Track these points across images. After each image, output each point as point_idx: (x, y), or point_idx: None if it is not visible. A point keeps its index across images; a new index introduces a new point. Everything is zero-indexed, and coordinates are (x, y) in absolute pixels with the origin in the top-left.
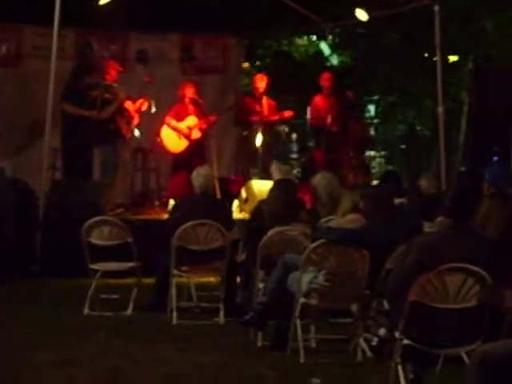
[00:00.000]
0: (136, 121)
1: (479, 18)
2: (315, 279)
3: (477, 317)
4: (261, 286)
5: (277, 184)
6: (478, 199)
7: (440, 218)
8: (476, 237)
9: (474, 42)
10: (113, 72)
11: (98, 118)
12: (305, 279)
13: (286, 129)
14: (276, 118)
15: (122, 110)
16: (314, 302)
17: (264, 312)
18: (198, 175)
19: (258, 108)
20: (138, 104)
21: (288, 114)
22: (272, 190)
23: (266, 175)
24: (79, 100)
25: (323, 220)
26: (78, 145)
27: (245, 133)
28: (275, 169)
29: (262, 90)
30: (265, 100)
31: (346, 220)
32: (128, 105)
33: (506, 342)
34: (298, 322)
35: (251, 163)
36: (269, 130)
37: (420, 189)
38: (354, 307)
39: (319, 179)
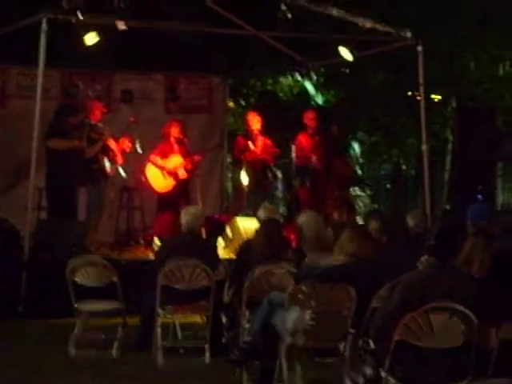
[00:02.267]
0: (120, 160)
1: (462, 57)
2: (301, 319)
3: (463, 355)
4: (247, 325)
5: (262, 223)
6: (462, 238)
7: (424, 257)
8: (460, 275)
9: (457, 80)
10: (97, 112)
11: (84, 151)
12: (290, 318)
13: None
14: (264, 156)
15: (106, 149)
16: (300, 341)
17: (249, 351)
18: (187, 214)
19: (250, 147)
20: (121, 143)
21: (275, 150)
22: (258, 230)
23: (251, 213)
24: (63, 137)
25: (308, 258)
26: (63, 185)
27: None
28: (260, 207)
29: (257, 131)
30: (260, 139)
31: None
32: (112, 144)
33: (492, 380)
34: (284, 361)
35: (240, 201)
36: (260, 168)
37: (407, 227)
38: (341, 346)
39: (304, 218)
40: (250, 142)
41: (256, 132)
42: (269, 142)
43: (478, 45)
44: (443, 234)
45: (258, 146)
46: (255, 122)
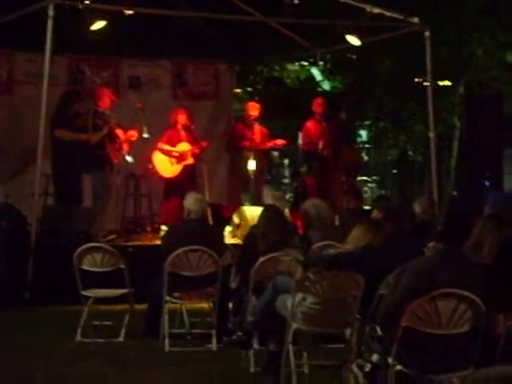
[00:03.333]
0: (125, 149)
1: (469, 43)
2: (303, 301)
3: (469, 342)
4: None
5: (265, 210)
6: (470, 224)
7: (432, 243)
8: (468, 262)
9: (465, 67)
10: (106, 99)
11: (90, 141)
12: (293, 301)
13: (276, 153)
14: (268, 146)
15: (112, 137)
16: (304, 326)
17: (251, 332)
18: (191, 200)
19: (249, 134)
20: (128, 134)
21: (280, 142)
22: (261, 216)
23: (258, 201)
24: (69, 126)
25: (315, 246)
26: (69, 171)
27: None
28: (267, 194)
29: (254, 117)
30: (256, 127)
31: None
32: (119, 132)
33: (498, 367)
34: (290, 347)
35: (243, 189)
36: (261, 156)
37: (413, 213)
38: (347, 333)
39: (309, 205)
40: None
41: (253, 120)
42: (265, 130)
43: (486, 31)
44: (452, 220)
45: (256, 134)
46: (254, 111)
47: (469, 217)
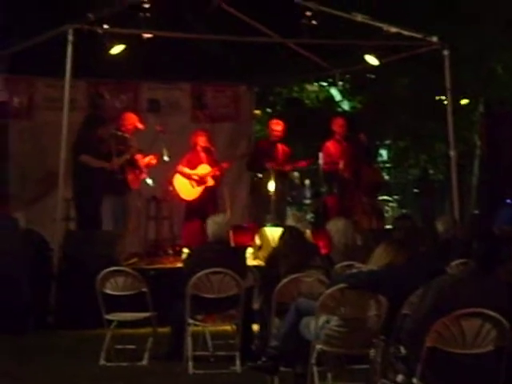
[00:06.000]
0: (144, 175)
1: (489, 60)
2: (327, 324)
3: (495, 362)
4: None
5: (285, 232)
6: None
7: (455, 262)
8: (494, 281)
9: (484, 84)
10: (131, 124)
11: (113, 167)
12: (317, 323)
13: (297, 174)
14: (290, 167)
15: (132, 162)
16: (328, 347)
17: (276, 356)
18: (213, 223)
19: (272, 153)
20: (147, 159)
21: (303, 164)
22: (281, 238)
23: (280, 222)
24: (94, 152)
25: (338, 266)
26: (90, 196)
27: (259, 176)
28: (288, 216)
29: (278, 133)
30: (279, 146)
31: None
32: (138, 158)
33: None
34: (314, 368)
35: (264, 209)
36: (282, 176)
37: (436, 232)
38: (372, 353)
39: (334, 225)
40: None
41: (277, 136)
42: (287, 149)
43: (506, 48)
44: (485, 240)
45: (280, 152)
46: (277, 126)
47: (500, 238)
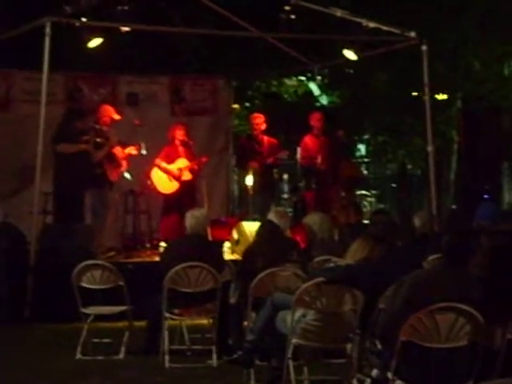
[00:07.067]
0: (124, 168)
1: (466, 56)
2: (303, 318)
3: (469, 356)
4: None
5: (260, 227)
6: (474, 239)
7: (432, 257)
8: (467, 276)
9: (462, 80)
10: (107, 117)
11: (93, 157)
12: (293, 318)
13: (275, 169)
14: (272, 159)
15: (110, 156)
16: (304, 341)
17: (252, 350)
18: (191, 217)
19: (257, 148)
20: (128, 150)
21: (284, 153)
22: (257, 233)
23: (258, 217)
24: (72, 142)
25: (315, 260)
26: (69, 189)
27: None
28: (271, 211)
29: (260, 126)
30: (265, 139)
31: None
32: (117, 150)
33: (498, 381)
34: (290, 362)
35: (245, 204)
36: (268, 171)
37: (413, 227)
38: (348, 347)
39: (311, 219)
40: (256, 144)
41: (261, 129)
42: (274, 141)
43: (482, 43)
44: (458, 235)
45: (264, 146)
46: (260, 122)
47: (474, 233)
